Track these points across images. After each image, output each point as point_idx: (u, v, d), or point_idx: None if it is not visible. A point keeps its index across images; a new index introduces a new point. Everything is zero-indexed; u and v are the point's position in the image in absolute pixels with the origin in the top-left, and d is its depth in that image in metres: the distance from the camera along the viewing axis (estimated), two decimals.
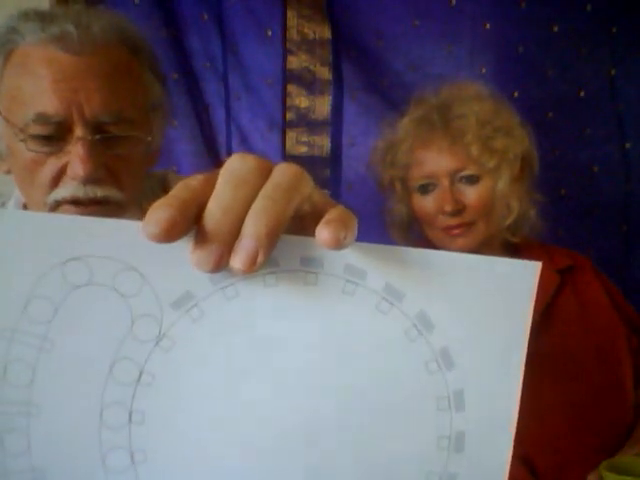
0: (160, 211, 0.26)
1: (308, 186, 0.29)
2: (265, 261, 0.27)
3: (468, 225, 1.10)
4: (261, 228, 0.27)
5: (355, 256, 0.30)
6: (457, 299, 0.30)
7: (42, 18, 0.69)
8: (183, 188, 0.28)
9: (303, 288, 0.30)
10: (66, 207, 0.68)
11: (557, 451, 0.99)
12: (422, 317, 0.31)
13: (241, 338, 0.30)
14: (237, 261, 0.27)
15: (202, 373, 0.31)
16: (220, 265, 0.27)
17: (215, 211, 0.27)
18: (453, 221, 1.09)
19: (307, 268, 0.30)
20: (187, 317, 0.30)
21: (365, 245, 0.30)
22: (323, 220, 0.28)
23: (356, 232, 0.29)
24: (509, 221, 1.14)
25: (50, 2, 1.27)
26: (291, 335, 0.31)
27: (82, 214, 0.68)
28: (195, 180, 0.28)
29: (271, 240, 0.27)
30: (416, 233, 1.22)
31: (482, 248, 1.14)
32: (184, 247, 0.28)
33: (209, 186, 0.28)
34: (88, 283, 0.29)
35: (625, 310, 1.16)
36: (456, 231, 1.10)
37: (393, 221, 1.23)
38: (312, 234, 0.28)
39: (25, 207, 0.77)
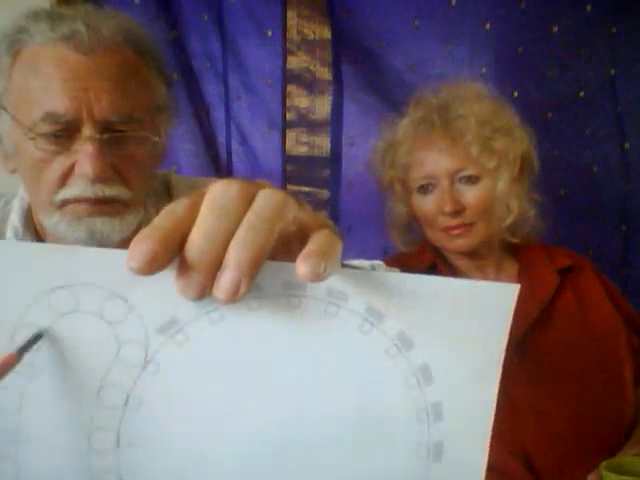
0: (142, 244, 0.27)
1: (291, 211, 0.30)
2: (247, 290, 0.28)
3: (468, 225, 1.10)
4: (243, 258, 0.27)
5: (337, 280, 0.30)
6: (436, 320, 0.31)
7: (52, 18, 0.69)
8: (167, 216, 0.28)
9: (287, 311, 0.31)
10: (74, 205, 0.69)
11: (557, 451, 0.99)
12: (402, 336, 0.32)
13: (226, 361, 0.31)
14: (220, 291, 0.27)
15: (188, 396, 0.31)
16: (203, 293, 0.28)
17: (198, 240, 0.28)
18: (453, 221, 1.09)
19: (290, 292, 0.30)
20: (172, 342, 0.31)
21: (347, 270, 0.31)
22: (303, 252, 0.28)
23: (339, 258, 0.29)
24: (509, 221, 1.14)
25: (50, 2, 1.27)
26: (275, 357, 0.31)
27: (90, 212, 0.68)
28: (180, 207, 0.28)
29: (253, 270, 0.27)
30: (416, 233, 1.22)
31: (482, 248, 1.14)
32: (169, 273, 0.28)
33: (193, 213, 0.28)
34: (74, 311, 0.30)
35: (625, 310, 1.16)
36: (456, 231, 1.10)
37: (393, 221, 1.23)
38: (298, 254, 0.29)
39: (29, 206, 0.77)
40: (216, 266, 0.27)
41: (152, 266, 0.27)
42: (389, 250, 1.30)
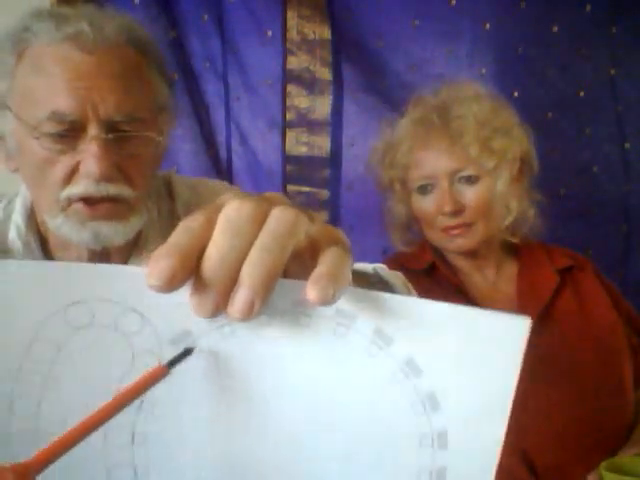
0: (162, 262, 0.27)
1: (303, 229, 0.30)
2: (261, 309, 0.28)
3: (467, 225, 1.10)
4: (257, 278, 0.28)
5: (346, 300, 0.31)
6: (445, 348, 0.31)
7: (56, 17, 0.69)
8: (184, 233, 0.29)
9: (296, 329, 0.31)
10: (78, 205, 0.69)
11: (557, 451, 0.99)
12: (410, 363, 0.32)
13: (236, 374, 0.32)
14: (235, 310, 0.28)
15: (199, 404, 0.32)
16: (217, 312, 0.28)
17: (213, 259, 0.28)
18: (452, 221, 1.09)
19: (300, 310, 0.31)
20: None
21: (356, 290, 0.31)
22: (313, 275, 0.29)
23: (349, 278, 0.30)
24: (508, 221, 1.14)
25: (51, 2, 1.27)
26: (284, 374, 0.32)
27: (94, 212, 0.69)
28: (196, 223, 0.29)
29: (267, 289, 0.28)
30: (416, 233, 1.22)
31: (482, 248, 1.14)
32: (183, 287, 0.29)
33: (209, 230, 0.29)
34: (90, 325, 0.31)
35: (625, 310, 1.16)
36: (455, 231, 1.10)
37: (393, 221, 1.23)
38: (309, 270, 0.29)
39: (32, 205, 0.77)
40: (230, 285, 0.28)
41: (172, 284, 0.27)
42: (389, 250, 1.30)
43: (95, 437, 0.31)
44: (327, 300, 0.28)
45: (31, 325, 0.31)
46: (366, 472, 0.33)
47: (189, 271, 0.28)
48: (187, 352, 0.31)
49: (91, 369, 0.32)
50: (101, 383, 0.32)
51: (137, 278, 0.29)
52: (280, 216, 0.29)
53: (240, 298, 0.28)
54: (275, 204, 0.30)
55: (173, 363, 0.31)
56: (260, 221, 0.29)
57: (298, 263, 0.30)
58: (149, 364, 0.31)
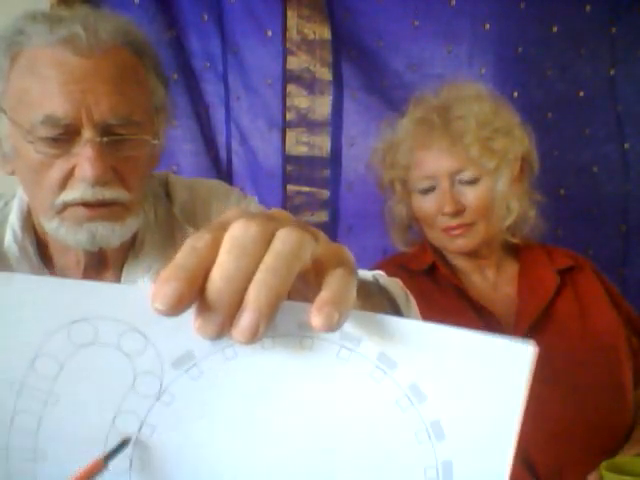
0: (168, 286, 0.27)
1: (309, 250, 0.30)
2: (266, 332, 0.28)
3: (468, 226, 1.10)
4: (263, 301, 0.27)
5: (351, 323, 0.30)
6: (451, 374, 0.31)
7: (50, 20, 0.69)
8: (190, 254, 0.28)
9: (299, 352, 0.31)
10: (75, 208, 0.69)
11: (557, 451, 0.99)
12: (414, 389, 0.31)
13: (238, 397, 0.32)
14: (239, 333, 0.28)
15: (200, 428, 0.32)
16: (222, 334, 0.28)
17: (218, 281, 0.28)
18: (453, 222, 1.09)
19: (304, 333, 0.31)
20: (187, 375, 0.31)
21: (361, 313, 0.31)
22: (317, 301, 0.28)
23: (353, 301, 0.29)
24: (509, 222, 1.14)
25: (50, 2, 1.27)
26: (286, 397, 0.32)
27: (90, 215, 0.68)
28: (201, 242, 0.29)
29: (272, 312, 0.28)
30: (416, 233, 1.22)
31: (482, 248, 1.14)
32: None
33: (214, 250, 0.28)
34: (93, 343, 0.31)
35: (625, 310, 1.16)
36: (456, 232, 1.10)
37: (393, 221, 1.23)
38: (313, 290, 0.29)
39: (29, 208, 0.77)
40: (235, 307, 0.28)
41: (178, 308, 0.27)
42: (389, 250, 1.30)
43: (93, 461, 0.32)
44: (332, 327, 0.28)
45: (35, 340, 0.31)
46: None
47: (195, 294, 0.28)
48: (123, 444, 0.31)
49: (92, 388, 0.31)
50: (101, 403, 0.32)
51: (141, 297, 0.29)
52: (286, 237, 0.29)
53: (245, 321, 0.27)
54: (281, 223, 0.30)
55: (109, 457, 0.31)
56: (266, 241, 0.29)
57: (302, 282, 0.30)
58: (150, 386, 0.31)
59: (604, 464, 0.85)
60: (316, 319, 0.28)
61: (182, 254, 0.28)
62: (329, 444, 0.32)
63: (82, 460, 0.32)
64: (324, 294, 0.29)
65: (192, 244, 0.29)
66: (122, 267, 0.77)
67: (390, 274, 0.65)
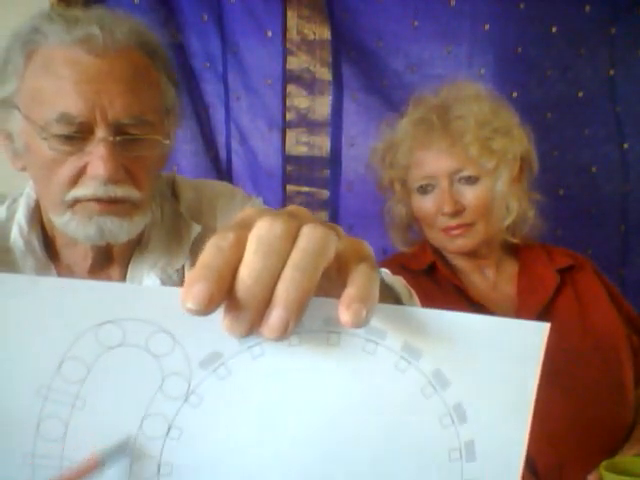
0: (199, 286, 0.28)
1: (333, 246, 0.30)
2: (294, 327, 0.28)
3: (467, 226, 1.10)
4: (291, 298, 0.28)
5: (375, 316, 0.31)
6: (470, 358, 0.32)
7: (66, 20, 0.70)
8: (216, 254, 0.29)
9: (326, 348, 0.31)
10: (86, 203, 0.70)
11: (557, 450, 0.99)
12: (438, 375, 0.32)
13: (266, 395, 0.32)
14: (270, 330, 0.28)
15: (229, 429, 0.32)
16: (251, 331, 0.29)
17: (246, 279, 0.28)
18: (452, 222, 1.09)
19: (330, 328, 0.31)
20: (214, 375, 0.32)
21: (384, 306, 0.31)
22: (344, 298, 0.29)
23: (377, 296, 0.30)
24: (508, 221, 1.14)
25: (50, 2, 1.27)
26: (314, 393, 0.32)
27: (101, 209, 0.70)
28: (226, 242, 0.29)
29: (300, 308, 0.28)
30: (416, 233, 1.22)
31: (482, 248, 1.14)
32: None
33: (240, 249, 0.29)
34: (121, 344, 0.31)
35: (625, 310, 1.16)
36: (455, 232, 1.10)
37: (393, 221, 1.23)
38: (336, 285, 0.29)
39: (36, 204, 0.78)
40: (264, 304, 0.28)
41: (209, 307, 0.28)
42: (389, 250, 1.30)
43: (119, 469, 0.32)
44: (360, 323, 0.28)
45: (62, 343, 0.31)
46: None
47: (225, 293, 0.28)
48: (122, 447, 0.31)
49: (120, 390, 0.31)
50: (128, 407, 0.32)
51: (168, 298, 0.29)
52: (311, 234, 0.29)
53: (275, 318, 0.28)
54: (303, 220, 0.30)
55: (106, 456, 0.31)
56: (292, 239, 0.29)
57: (324, 278, 0.30)
58: (178, 388, 0.31)
59: (604, 464, 0.86)
60: (345, 316, 0.28)
61: (208, 254, 0.29)
62: (357, 435, 0.33)
63: (108, 469, 0.32)
64: (350, 290, 0.29)
65: (217, 244, 0.29)
66: (128, 263, 0.79)
67: None
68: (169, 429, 0.32)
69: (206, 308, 0.27)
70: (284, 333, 0.28)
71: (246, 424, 0.32)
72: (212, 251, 0.29)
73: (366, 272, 0.30)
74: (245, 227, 0.30)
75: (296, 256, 0.29)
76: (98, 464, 0.31)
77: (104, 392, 0.31)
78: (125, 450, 0.31)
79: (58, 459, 0.32)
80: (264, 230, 0.29)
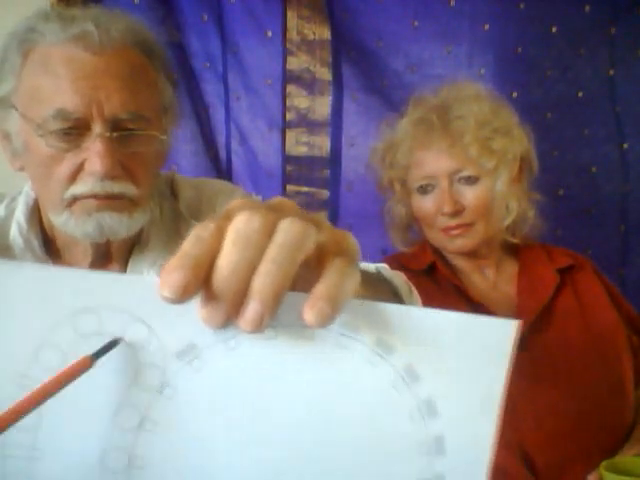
0: (174, 274, 0.28)
1: (312, 240, 0.30)
2: (270, 321, 0.29)
3: (467, 226, 1.10)
4: (267, 291, 0.28)
5: (350, 312, 0.31)
6: (441, 354, 0.32)
7: (63, 19, 0.70)
8: (196, 243, 0.29)
9: (300, 342, 0.32)
10: (84, 200, 0.70)
11: (557, 451, 0.99)
12: (409, 370, 0.32)
13: (240, 388, 0.32)
14: (245, 323, 0.28)
15: (202, 421, 0.32)
16: (227, 323, 0.29)
17: (223, 271, 0.29)
18: (452, 222, 1.10)
19: (304, 323, 0.31)
20: (189, 367, 0.32)
21: (359, 302, 0.31)
22: (310, 297, 0.29)
23: (352, 292, 0.30)
24: (508, 221, 1.14)
25: (50, 2, 1.27)
26: (288, 386, 0.32)
27: (99, 205, 0.70)
28: (206, 232, 0.29)
29: (276, 302, 0.28)
30: (416, 233, 1.22)
31: (482, 248, 1.14)
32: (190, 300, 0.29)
33: (219, 240, 0.29)
34: (97, 333, 0.31)
35: (625, 310, 1.16)
36: (455, 232, 1.10)
37: (393, 221, 1.23)
38: (315, 274, 0.30)
39: (35, 203, 0.78)
40: (240, 296, 0.28)
41: (185, 295, 0.28)
42: (388, 250, 1.30)
43: (90, 460, 0.32)
44: (323, 323, 0.29)
45: (39, 330, 0.31)
46: None
47: (201, 282, 0.28)
48: (113, 343, 0.31)
49: (95, 379, 0.31)
50: (104, 395, 0.31)
51: (146, 288, 0.29)
52: (288, 228, 0.29)
53: (251, 311, 0.28)
54: (285, 213, 0.30)
55: (98, 355, 0.31)
56: (270, 232, 0.29)
57: (306, 269, 0.30)
58: (152, 378, 0.31)
59: (604, 464, 0.86)
60: (308, 315, 0.28)
61: (188, 243, 0.29)
62: (329, 430, 0.33)
63: (79, 461, 0.31)
64: (319, 288, 0.29)
65: (198, 234, 0.29)
66: (127, 261, 0.79)
67: None
68: (142, 421, 0.32)
69: (182, 296, 0.28)
70: (259, 326, 0.28)
71: (220, 416, 0.32)
72: (192, 240, 0.29)
73: (339, 268, 0.30)
74: (228, 218, 0.30)
75: (272, 250, 0.29)
76: (91, 361, 0.31)
77: (79, 382, 0.31)
78: (115, 346, 0.31)
79: (30, 449, 0.32)
80: (242, 223, 0.29)
